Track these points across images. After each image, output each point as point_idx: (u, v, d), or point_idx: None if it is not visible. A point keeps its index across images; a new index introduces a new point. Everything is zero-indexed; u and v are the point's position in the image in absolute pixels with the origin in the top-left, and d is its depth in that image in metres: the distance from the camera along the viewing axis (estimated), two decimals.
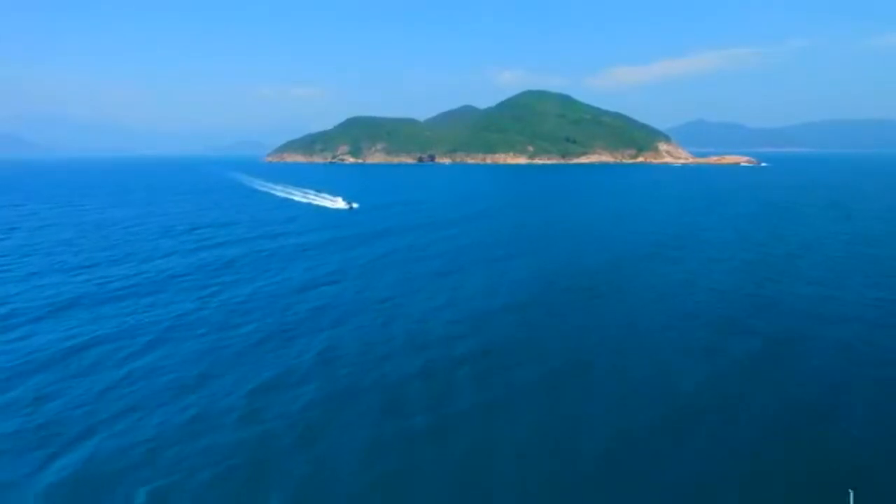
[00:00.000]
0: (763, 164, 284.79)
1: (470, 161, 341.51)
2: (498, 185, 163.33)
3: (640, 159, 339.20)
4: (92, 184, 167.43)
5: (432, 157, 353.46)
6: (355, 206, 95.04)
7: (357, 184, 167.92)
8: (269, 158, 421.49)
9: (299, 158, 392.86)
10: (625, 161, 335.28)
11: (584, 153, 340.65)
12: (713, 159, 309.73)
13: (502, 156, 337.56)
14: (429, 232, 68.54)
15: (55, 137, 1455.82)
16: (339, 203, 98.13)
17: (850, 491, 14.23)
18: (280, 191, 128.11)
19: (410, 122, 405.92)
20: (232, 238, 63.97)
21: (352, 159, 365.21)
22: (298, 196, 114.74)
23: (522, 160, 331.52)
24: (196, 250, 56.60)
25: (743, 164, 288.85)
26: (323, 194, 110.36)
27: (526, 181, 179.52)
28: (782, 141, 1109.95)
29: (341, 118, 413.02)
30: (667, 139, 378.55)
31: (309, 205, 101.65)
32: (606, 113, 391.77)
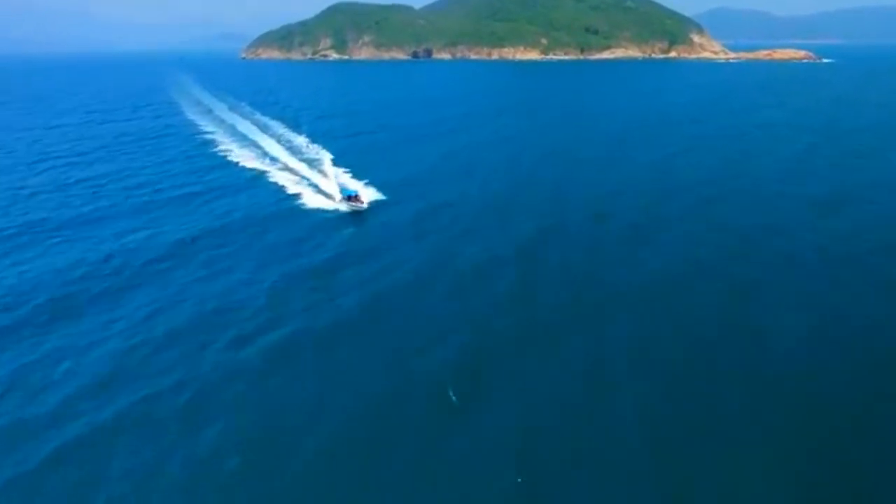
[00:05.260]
0: (825, 60, 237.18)
1: (473, 56, 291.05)
2: (527, 102, 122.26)
3: (673, 54, 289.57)
4: None
5: (429, 53, 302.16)
6: (364, 204, 42.59)
7: (341, 98, 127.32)
8: (245, 54, 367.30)
9: (275, 54, 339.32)
10: (655, 56, 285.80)
11: (607, 46, 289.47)
12: (763, 53, 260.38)
13: (511, 50, 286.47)
14: None
15: (28, 30, 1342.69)
16: (334, 194, 44.81)
17: None
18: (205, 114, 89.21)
19: (403, 10, 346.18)
20: None
21: (335, 55, 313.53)
22: (242, 153, 60.43)
23: (535, 55, 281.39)
24: None
25: (801, 59, 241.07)
26: (292, 134, 64.48)
27: (560, 93, 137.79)
28: (813, 31, 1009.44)
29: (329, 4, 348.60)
30: (700, 29, 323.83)
31: (252, 182, 50.21)
32: None
